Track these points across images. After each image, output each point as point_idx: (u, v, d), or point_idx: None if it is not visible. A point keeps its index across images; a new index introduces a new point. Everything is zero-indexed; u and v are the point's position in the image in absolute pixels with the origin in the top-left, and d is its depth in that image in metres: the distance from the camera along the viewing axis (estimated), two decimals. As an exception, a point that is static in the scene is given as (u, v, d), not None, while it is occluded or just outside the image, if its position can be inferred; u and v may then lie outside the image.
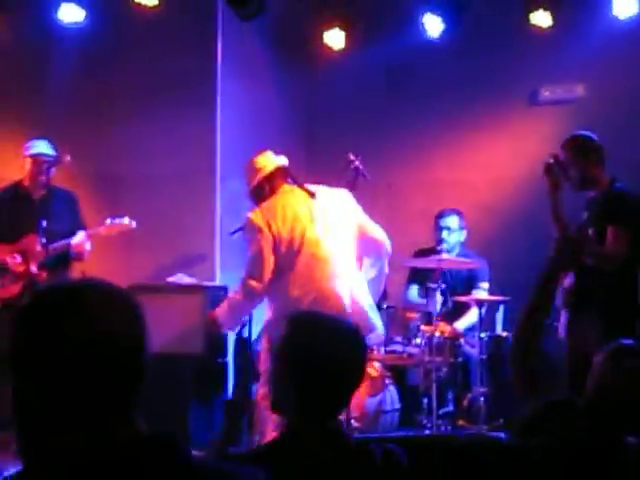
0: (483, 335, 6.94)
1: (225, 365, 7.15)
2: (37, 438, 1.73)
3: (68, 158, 7.13)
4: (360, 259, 5.99)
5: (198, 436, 6.66)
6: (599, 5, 7.61)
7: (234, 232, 6.63)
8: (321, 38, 8.13)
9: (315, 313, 3.16)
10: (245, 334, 6.62)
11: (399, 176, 8.57)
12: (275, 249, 5.67)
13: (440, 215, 7.57)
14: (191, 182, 7.99)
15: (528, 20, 7.57)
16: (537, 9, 7.49)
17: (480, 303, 7.09)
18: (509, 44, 8.13)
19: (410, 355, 7.05)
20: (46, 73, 8.22)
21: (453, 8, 7.69)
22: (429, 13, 7.78)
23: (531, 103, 8.42)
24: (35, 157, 7.13)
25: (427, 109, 8.52)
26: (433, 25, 7.82)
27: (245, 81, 8.37)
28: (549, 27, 7.56)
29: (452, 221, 7.54)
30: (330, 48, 8.18)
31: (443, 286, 6.94)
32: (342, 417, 6.14)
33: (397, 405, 6.91)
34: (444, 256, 7.12)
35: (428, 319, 6.98)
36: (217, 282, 7.68)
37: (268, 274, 5.69)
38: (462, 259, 7.35)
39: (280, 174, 5.93)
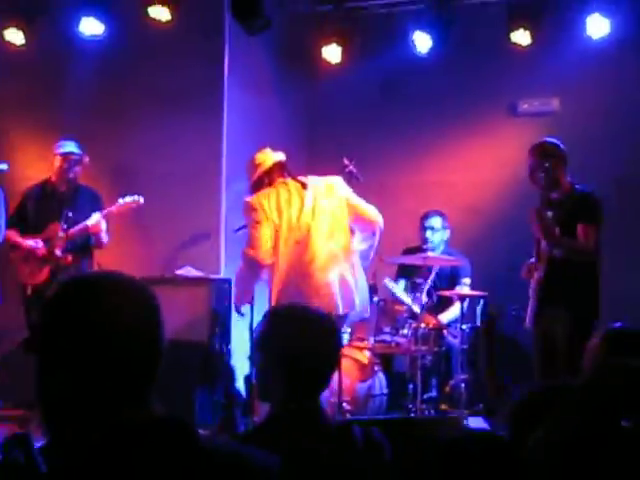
0: (464, 327, 6.96)
1: (228, 351, 7.17)
2: (58, 419, 1.75)
3: (87, 159, 7.22)
4: (353, 233, 6.07)
5: (203, 417, 6.69)
6: (574, 26, 7.62)
7: (238, 229, 6.67)
8: (320, 52, 8.15)
9: (290, 306, 3.19)
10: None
11: (390, 178, 8.58)
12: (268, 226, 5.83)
13: (425, 216, 7.59)
14: (199, 182, 7.99)
15: (509, 39, 7.59)
16: (518, 29, 7.52)
17: (462, 298, 7.11)
18: (491, 60, 8.15)
19: (398, 344, 7.06)
20: (67, 81, 8.23)
21: (441, 27, 7.72)
22: (419, 31, 7.81)
23: (510, 114, 8.44)
24: (64, 155, 7.19)
25: (417, 117, 8.55)
26: (422, 42, 7.84)
27: (250, 90, 8.37)
28: (528, 45, 7.59)
29: (436, 221, 7.56)
30: (328, 62, 8.20)
31: (429, 283, 6.97)
32: (334, 400, 6.21)
33: (385, 390, 6.93)
34: (429, 254, 7.15)
35: (414, 312, 7.00)
36: (222, 275, 7.69)
37: (264, 244, 5.82)
38: (446, 257, 7.36)
39: (277, 168, 6.06)
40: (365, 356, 6.91)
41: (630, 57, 7.85)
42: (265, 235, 5.81)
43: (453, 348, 7.15)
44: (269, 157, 6.05)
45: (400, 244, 7.66)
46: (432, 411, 6.69)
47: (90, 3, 7.85)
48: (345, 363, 6.47)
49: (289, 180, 6.01)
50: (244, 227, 6.31)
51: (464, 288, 7.35)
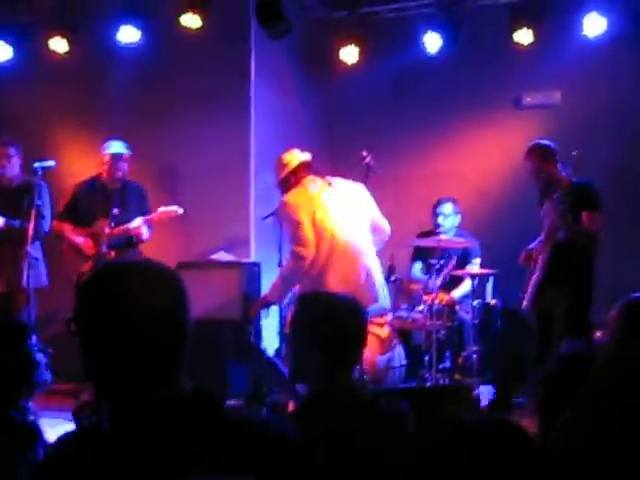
0: (475, 303, 6.97)
1: (259, 328, 7.22)
2: (101, 389, 1.80)
3: (129, 155, 7.25)
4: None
5: (237, 387, 6.75)
6: (573, 25, 7.59)
7: (266, 217, 6.70)
8: (336, 55, 8.16)
9: (319, 293, 3.21)
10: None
11: (404, 170, 8.60)
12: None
13: (437, 203, 7.57)
14: (230, 176, 8.04)
15: (512, 38, 7.57)
16: (520, 28, 7.50)
17: (473, 276, 7.12)
18: (496, 58, 8.14)
19: (414, 320, 7.08)
20: (107, 85, 8.29)
21: (450, 29, 7.71)
22: (430, 32, 7.79)
23: (515, 107, 8.45)
24: (113, 155, 7.20)
25: (428, 113, 8.55)
26: (433, 42, 7.83)
27: (275, 91, 8.41)
28: (530, 43, 7.57)
29: (447, 208, 7.55)
30: (345, 63, 8.21)
31: (442, 263, 6.98)
32: (357, 372, 6.23)
33: (404, 362, 6.94)
34: (442, 237, 7.15)
35: (429, 290, 7.02)
36: (252, 259, 7.75)
37: (312, 240, 5.73)
38: (457, 239, 7.37)
39: (303, 168, 6.02)
40: (385, 331, 6.92)
41: (625, 52, 7.87)
42: (309, 232, 5.75)
43: (465, 322, 7.18)
44: (295, 157, 6.03)
45: (414, 230, 7.67)
46: (446, 380, 6.72)
47: (127, 13, 7.93)
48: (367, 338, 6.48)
49: (315, 178, 5.99)
50: (272, 214, 6.33)
51: (474, 267, 7.35)
